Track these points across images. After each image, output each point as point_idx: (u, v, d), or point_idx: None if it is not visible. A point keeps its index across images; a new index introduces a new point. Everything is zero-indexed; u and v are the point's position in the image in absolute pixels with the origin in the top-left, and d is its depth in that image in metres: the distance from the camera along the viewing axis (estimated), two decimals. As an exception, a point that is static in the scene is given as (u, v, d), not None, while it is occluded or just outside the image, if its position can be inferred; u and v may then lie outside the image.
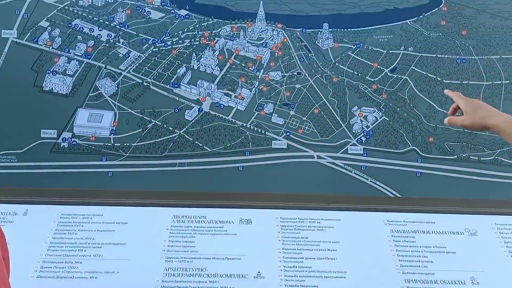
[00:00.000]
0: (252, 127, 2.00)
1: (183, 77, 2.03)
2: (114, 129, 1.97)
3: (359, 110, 2.01)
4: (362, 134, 2.00)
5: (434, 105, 2.01)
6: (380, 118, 2.01)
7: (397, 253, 1.62)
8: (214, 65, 2.04)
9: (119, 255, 1.58)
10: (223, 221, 1.72)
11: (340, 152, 1.98)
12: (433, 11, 2.07)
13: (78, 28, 2.05)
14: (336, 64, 2.04)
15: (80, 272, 1.52)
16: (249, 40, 2.06)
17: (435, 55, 2.04)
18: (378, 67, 2.04)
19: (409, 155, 1.98)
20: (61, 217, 1.70)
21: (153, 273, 1.52)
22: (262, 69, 2.04)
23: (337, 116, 2.01)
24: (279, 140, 1.99)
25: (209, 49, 2.05)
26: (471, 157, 1.98)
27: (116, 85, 2.00)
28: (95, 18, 2.06)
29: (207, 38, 2.06)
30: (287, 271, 1.54)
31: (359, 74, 2.04)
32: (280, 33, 2.06)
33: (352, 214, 1.76)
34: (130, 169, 1.95)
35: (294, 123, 2.00)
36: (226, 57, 2.05)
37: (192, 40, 2.05)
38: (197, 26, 2.06)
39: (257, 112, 2.01)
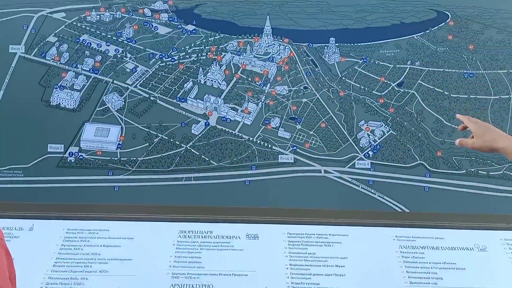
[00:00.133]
0: (258, 141, 1.99)
1: (190, 92, 2.03)
2: (120, 143, 1.97)
3: (366, 124, 2.00)
4: (369, 148, 1.99)
5: (441, 119, 2.00)
6: (387, 132, 2.00)
7: (406, 269, 1.60)
8: (220, 80, 2.04)
9: (125, 271, 1.57)
10: (230, 236, 1.70)
11: (347, 166, 1.97)
12: (440, 25, 2.07)
13: (86, 43, 2.06)
14: (343, 78, 2.04)
15: (86, 288, 1.51)
16: (255, 55, 2.07)
17: (442, 69, 2.04)
18: (385, 81, 2.04)
19: (417, 170, 1.96)
20: (67, 232, 1.70)
21: (159, 289, 1.51)
22: (269, 84, 2.04)
23: (344, 130, 2.00)
24: (286, 154, 1.98)
25: (216, 63, 2.05)
26: (479, 171, 1.97)
27: (123, 100, 2.01)
28: (103, 34, 2.07)
29: (214, 53, 2.06)
30: (295, 288, 1.53)
31: (366, 88, 2.03)
32: (286, 47, 2.07)
33: (360, 229, 1.75)
34: (137, 183, 1.94)
35: (300, 137, 2.00)
36: (233, 72, 2.06)
37: (199, 54, 2.06)
38: (204, 41, 2.07)
39: (263, 126, 2.01)
